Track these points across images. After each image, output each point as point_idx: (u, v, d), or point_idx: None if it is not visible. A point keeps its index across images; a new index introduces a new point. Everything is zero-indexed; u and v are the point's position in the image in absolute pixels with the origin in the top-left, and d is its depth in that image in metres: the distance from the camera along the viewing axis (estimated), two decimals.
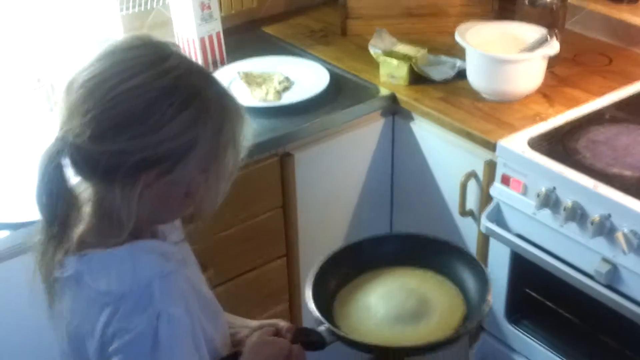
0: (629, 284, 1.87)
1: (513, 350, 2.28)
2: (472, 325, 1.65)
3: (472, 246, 2.34)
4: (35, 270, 1.31)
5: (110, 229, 1.26)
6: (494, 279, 2.21)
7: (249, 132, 1.34)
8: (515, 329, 2.26)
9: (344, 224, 2.52)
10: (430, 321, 1.66)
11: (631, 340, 1.99)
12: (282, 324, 1.57)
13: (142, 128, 1.19)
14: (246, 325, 1.59)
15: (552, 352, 2.17)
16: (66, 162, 1.23)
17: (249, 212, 2.25)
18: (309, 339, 1.57)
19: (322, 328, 1.59)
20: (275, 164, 2.24)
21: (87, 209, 1.31)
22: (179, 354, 1.28)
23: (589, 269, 1.93)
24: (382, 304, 1.69)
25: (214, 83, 1.29)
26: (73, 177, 1.26)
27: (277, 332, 1.54)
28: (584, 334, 2.13)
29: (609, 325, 2.03)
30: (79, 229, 1.31)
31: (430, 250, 1.80)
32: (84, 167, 1.23)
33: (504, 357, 2.30)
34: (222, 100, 1.28)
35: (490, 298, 1.65)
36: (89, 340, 1.29)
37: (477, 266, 1.75)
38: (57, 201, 1.25)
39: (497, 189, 2.13)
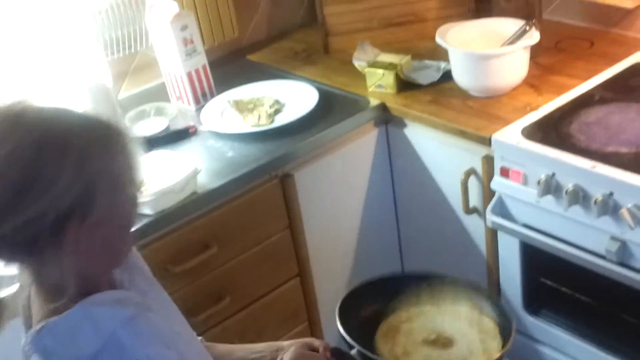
0: None
1: (536, 340, 2.29)
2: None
3: (480, 243, 2.36)
4: None
5: (58, 295, 1.22)
6: (506, 272, 2.26)
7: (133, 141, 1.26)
8: (535, 319, 2.27)
9: (351, 237, 2.54)
10: (461, 347, 1.71)
11: None
12: (318, 342, 1.61)
13: (33, 194, 1.14)
14: (253, 350, 1.62)
15: (574, 337, 2.18)
16: None
17: (257, 236, 2.26)
18: (344, 358, 1.61)
19: (353, 352, 1.63)
20: (277, 186, 2.26)
21: (32, 291, 1.30)
22: None
23: (600, 249, 1.94)
24: (419, 331, 1.75)
25: (75, 117, 1.24)
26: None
27: (314, 349, 1.58)
28: (604, 315, 2.14)
29: (627, 302, 2.04)
30: (34, 311, 1.29)
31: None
32: (4, 252, 1.20)
33: (527, 348, 2.31)
34: (89, 132, 1.22)
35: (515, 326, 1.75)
36: None
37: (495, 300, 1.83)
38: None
39: (498, 183, 2.15)
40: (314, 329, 2.50)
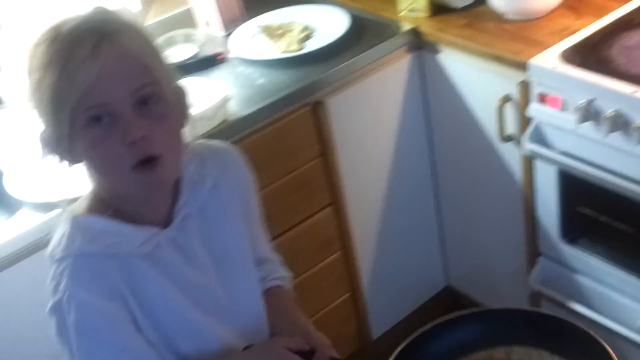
0: None
1: (573, 270, 2.26)
2: None
3: (516, 172, 2.31)
4: None
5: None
6: (543, 201, 2.22)
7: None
8: (573, 248, 2.23)
9: (384, 165, 2.50)
10: None
11: None
12: (324, 348, 1.42)
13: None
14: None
15: (612, 267, 2.15)
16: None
17: (289, 165, 2.24)
18: None
19: None
20: (308, 114, 2.22)
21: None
22: (85, 340, 1.27)
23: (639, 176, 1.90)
24: None
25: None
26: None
27: (304, 353, 1.38)
28: None
29: None
30: None
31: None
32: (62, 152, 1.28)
33: (565, 278, 2.28)
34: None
35: None
36: None
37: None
38: None
39: (535, 109, 2.09)
40: (348, 257, 2.49)
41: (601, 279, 2.20)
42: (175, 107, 1.30)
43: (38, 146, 1.27)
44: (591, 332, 1.36)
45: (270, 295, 1.55)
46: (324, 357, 1.38)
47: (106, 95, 1.19)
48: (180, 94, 1.33)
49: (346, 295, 2.55)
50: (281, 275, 1.61)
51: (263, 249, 1.58)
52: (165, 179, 1.29)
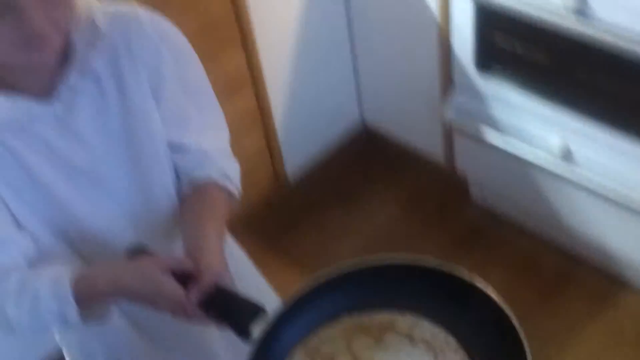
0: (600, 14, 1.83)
1: (486, 98, 2.26)
2: None
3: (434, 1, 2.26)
4: None
5: None
6: (458, 30, 2.19)
7: None
8: (486, 75, 2.22)
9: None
10: None
11: (603, 70, 1.96)
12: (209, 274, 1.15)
13: None
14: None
15: (524, 93, 2.15)
16: None
17: (199, 9, 2.14)
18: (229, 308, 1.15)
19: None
20: None
21: None
22: None
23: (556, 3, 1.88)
24: None
25: None
26: None
27: (189, 275, 1.15)
28: (556, 72, 2.09)
29: (579, 60, 2.00)
30: None
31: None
32: None
33: (478, 107, 2.29)
34: None
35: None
36: None
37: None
38: None
39: None
40: (260, 100, 2.44)
41: (514, 107, 2.20)
42: None
43: None
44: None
45: (192, 191, 1.31)
46: (205, 284, 1.13)
47: None
48: None
49: (260, 139, 2.52)
50: (215, 171, 1.31)
51: (196, 136, 1.31)
52: (49, 58, 1.11)
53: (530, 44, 2.08)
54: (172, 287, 1.13)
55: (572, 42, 1.91)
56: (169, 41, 1.26)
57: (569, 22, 1.87)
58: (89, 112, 1.20)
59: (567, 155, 2.13)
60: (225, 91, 2.28)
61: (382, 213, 2.64)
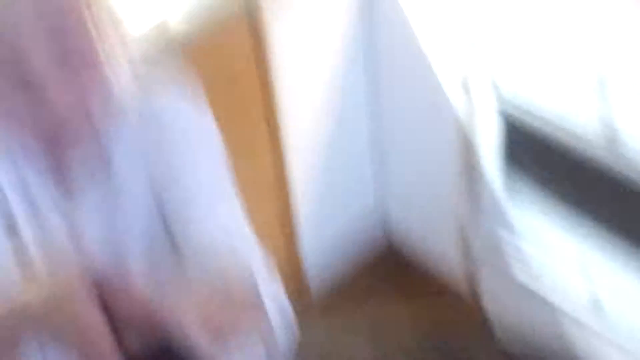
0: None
1: (513, 228, 2.14)
2: None
3: (462, 115, 2.17)
4: None
5: None
6: (485, 149, 2.11)
7: None
8: (515, 202, 2.11)
9: (324, 95, 2.38)
10: None
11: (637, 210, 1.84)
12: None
13: None
14: None
15: (553, 228, 2.03)
16: None
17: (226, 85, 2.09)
18: None
19: None
20: (248, 23, 2.08)
21: None
22: None
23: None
24: None
25: None
26: None
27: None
28: (585, 207, 1.95)
29: (611, 195, 1.87)
30: None
31: None
32: None
33: (505, 236, 2.18)
34: None
35: None
36: None
37: None
38: None
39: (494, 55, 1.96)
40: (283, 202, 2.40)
41: (541, 241, 2.09)
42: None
43: None
44: None
45: None
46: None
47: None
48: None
49: (282, 245, 2.47)
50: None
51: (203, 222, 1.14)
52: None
53: (557, 172, 1.98)
54: (92, 316, 0.84)
55: (603, 174, 1.81)
56: (187, 130, 1.15)
57: (601, 152, 1.78)
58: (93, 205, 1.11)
59: (596, 305, 2.00)
60: (250, 192, 2.23)
61: (395, 344, 2.51)
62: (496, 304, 2.37)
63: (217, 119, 1.36)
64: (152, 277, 0.97)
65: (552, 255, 2.07)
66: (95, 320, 0.82)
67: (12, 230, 1.05)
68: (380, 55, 2.40)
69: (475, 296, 2.45)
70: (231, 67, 2.09)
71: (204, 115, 1.19)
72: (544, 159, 2.00)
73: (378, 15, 2.33)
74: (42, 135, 0.98)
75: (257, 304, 1.04)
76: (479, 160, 2.17)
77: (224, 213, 1.13)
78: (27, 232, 1.06)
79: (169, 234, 1.10)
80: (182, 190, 1.11)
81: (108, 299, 0.84)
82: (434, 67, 2.22)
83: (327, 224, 2.57)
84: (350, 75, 2.43)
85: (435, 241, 2.56)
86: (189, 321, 0.88)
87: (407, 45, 2.27)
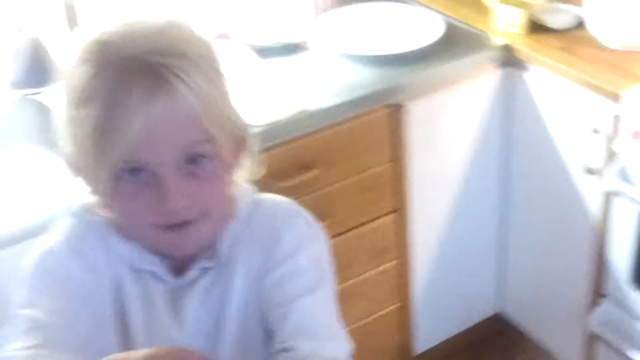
0: None
1: (638, 317, 2.15)
2: None
3: (593, 207, 2.20)
4: None
5: None
6: (616, 241, 2.12)
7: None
8: None
9: (455, 180, 2.41)
10: None
11: None
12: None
13: None
14: None
15: None
16: None
17: (359, 165, 2.16)
18: None
19: None
20: (387, 116, 2.14)
21: None
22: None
23: None
24: None
25: None
26: None
27: None
28: None
29: None
30: None
31: None
32: None
33: (627, 323, 2.17)
34: None
35: None
36: None
37: None
38: None
39: (625, 145, 1.99)
40: (403, 268, 2.41)
41: None
42: (230, 160, 1.07)
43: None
44: None
45: None
46: None
47: (152, 154, 0.98)
48: (240, 137, 1.09)
49: (395, 306, 2.47)
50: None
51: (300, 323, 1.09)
52: (193, 244, 1.07)
53: None
54: None
55: None
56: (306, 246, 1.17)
57: None
58: (199, 298, 1.13)
59: None
60: (370, 251, 2.29)
61: None
62: None
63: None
64: None
65: None
66: None
67: (123, 321, 1.11)
68: (515, 149, 2.43)
69: None
70: (368, 142, 2.16)
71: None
72: None
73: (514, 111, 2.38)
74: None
75: None
76: (608, 248, 2.18)
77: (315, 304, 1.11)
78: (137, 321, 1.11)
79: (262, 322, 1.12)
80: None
81: None
82: (564, 157, 2.25)
83: (442, 288, 2.57)
84: (484, 172, 2.46)
85: (551, 322, 2.53)
86: None
87: (540, 140, 2.31)
